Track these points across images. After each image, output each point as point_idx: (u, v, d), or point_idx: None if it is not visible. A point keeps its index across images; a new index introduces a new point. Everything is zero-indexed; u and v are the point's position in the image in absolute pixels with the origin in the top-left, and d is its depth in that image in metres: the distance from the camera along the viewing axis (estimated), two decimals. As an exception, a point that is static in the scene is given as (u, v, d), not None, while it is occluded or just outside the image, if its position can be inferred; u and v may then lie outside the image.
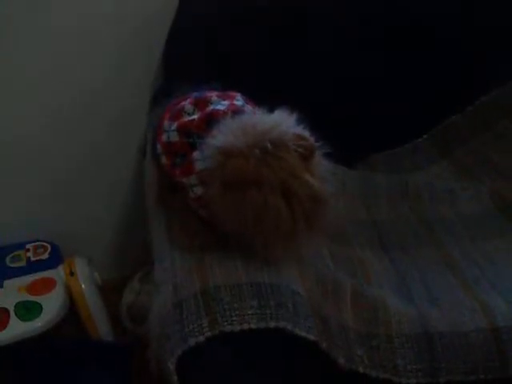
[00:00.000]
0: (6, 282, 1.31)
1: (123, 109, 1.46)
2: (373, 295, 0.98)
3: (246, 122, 0.81)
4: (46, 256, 1.40)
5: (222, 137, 0.79)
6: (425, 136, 1.46)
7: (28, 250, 1.41)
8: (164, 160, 0.91)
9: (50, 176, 1.49)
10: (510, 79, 1.44)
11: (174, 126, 0.90)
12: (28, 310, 1.23)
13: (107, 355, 1.30)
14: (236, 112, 0.86)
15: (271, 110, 0.85)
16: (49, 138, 1.44)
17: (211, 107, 0.89)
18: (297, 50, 1.34)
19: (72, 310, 1.30)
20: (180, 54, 1.33)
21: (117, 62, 1.41)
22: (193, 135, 0.87)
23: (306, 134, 0.81)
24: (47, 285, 1.29)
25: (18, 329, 1.19)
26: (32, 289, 1.28)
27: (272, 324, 0.79)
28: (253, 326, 0.78)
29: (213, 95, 0.93)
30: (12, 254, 1.40)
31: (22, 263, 1.37)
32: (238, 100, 0.93)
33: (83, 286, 1.31)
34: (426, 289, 1.08)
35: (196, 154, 0.86)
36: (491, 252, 1.19)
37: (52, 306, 1.24)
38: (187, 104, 0.92)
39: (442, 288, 1.08)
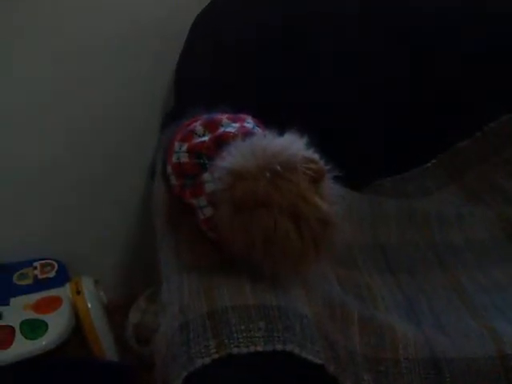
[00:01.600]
0: (13, 300, 1.31)
1: (134, 128, 1.47)
2: (380, 320, 0.97)
3: (256, 144, 0.82)
4: (52, 274, 1.40)
5: (231, 159, 0.80)
6: (433, 161, 1.46)
7: (35, 268, 1.42)
8: (174, 181, 0.91)
9: (59, 195, 1.50)
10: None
11: (185, 147, 0.90)
12: (33, 329, 1.23)
13: (112, 375, 1.30)
14: (246, 134, 0.87)
15: (281, 133, 0.85)
16: (59, 157, 1.45)
17: (222, 129, 0.90)
18: (306, 76, 1.36)
19: (78, 329, 1.29)
20: (191, 78, 1.35)
21: (131, 79, 1.43)
22: (203, 157, 0.87)
23: (316, 157, 0.81)
24: (53, 303, 1.29)
25: (23, 347, 1.19)
26: (38, 307, 1.28)
27: (279, 347, 0.78)
28: (260, 349, 0.77)
29: (223, 117, 0.94)
30: (19, 272, 1.40)
31: (29, 281, 1.38)
32: (249, 122, 0.93)
33: (89, 305, 1.31)
34: (433, 314, 1.07)
35: (206, 176, 0.86)
36: (499, 278, 1.19)
37: (58, 324, 1.24)
38: (198, 126, 0.93)
39: (450, 314, 1.07)
